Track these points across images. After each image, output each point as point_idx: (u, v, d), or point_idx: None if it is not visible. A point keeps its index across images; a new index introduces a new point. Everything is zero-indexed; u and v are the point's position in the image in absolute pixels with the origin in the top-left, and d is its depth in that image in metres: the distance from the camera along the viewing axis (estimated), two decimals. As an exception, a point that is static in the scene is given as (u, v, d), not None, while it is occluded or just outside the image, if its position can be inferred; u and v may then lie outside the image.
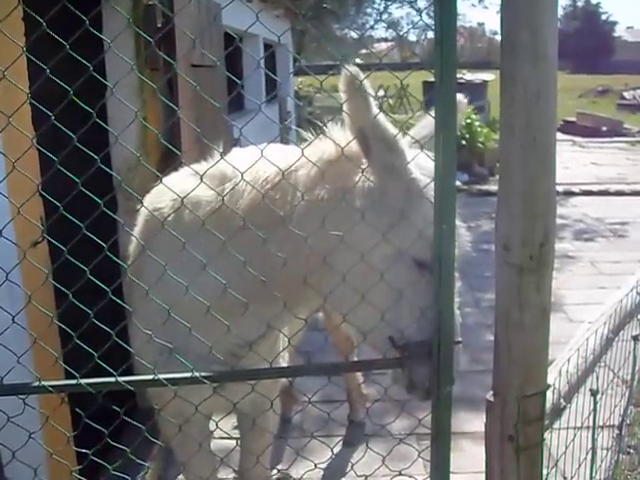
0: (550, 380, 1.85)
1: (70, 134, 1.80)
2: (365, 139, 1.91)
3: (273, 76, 11.03)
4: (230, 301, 2.01)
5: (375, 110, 1.85)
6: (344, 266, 1.94)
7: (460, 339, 1.87)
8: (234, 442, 2.58)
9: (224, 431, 2.34)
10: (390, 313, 1.89)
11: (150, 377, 1.88)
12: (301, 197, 1.98)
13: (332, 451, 4.12)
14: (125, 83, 3.45)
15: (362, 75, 1.82)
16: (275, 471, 3.36)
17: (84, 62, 1.78)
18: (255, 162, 1.98)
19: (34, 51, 1.96)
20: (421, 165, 1.93)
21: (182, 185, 2.09)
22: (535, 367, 1.69)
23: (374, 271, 1.89)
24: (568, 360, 2.06)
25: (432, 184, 1.72)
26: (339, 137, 1.98)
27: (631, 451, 3.86)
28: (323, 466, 3.98)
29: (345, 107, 1.86)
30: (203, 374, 1.85)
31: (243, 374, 1.88)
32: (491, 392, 1.74)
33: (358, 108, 1.86)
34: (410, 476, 2.00)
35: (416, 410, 2.10)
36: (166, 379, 1.87)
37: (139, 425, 2.08)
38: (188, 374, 1.85)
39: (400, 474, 2.02)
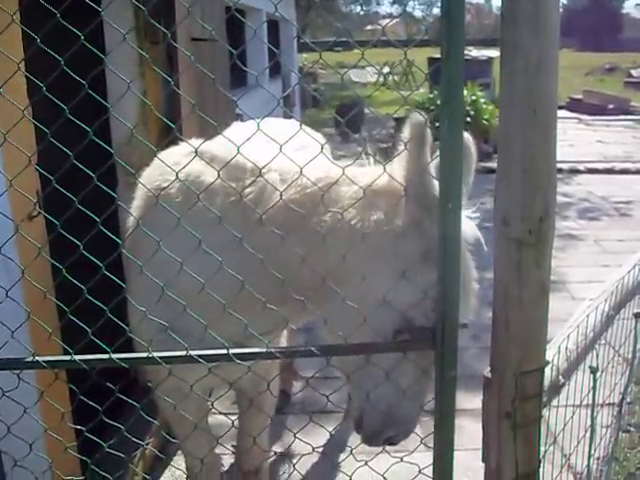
0: (549, 357, 1.83)
1: (63, 106, 1.77)
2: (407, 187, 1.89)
3: (273, 49, 10.93)
4: (244, 297, 1.96)
5: (424, 165, 1.83)
6: (349, 293, 1.92)
7: (466, 321, 1.85)
8: (232, 418, 2.57)
9: (219, 411, 2.33)
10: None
11: (145, 355, 1.87)
12: (338, 215, 1.96)
13: (331, 429, 4.13)
14: (124, 57, 3.41)
15: (427, 126, 1.80)
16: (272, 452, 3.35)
17: (75, 31, 1.75)
18: (283, 157, 1.88)
19: (30, 22, 1.93)
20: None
21: (188, 166, 2.00)
22: (534, 343, 1.66)
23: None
24: (568, 337, 2.04)
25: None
26: (394, 171, 1.92)
27: (631, 429, 3.85)
28: (322, 443, 3.99)
29: (406, 152, 1.85)
30: (198, 353, 1.83)
31: (239, 356, 1.85)
32: (489, 368, 1.72)
33: (412, 159, 1.84)
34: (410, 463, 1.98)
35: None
36: (161, 357, 1.85)
37: (135, 403, 2.07)
38: (183, 352, 1.83)
39: (401, 460, 2.00)
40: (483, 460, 1.79)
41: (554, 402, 2.02)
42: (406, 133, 1.82)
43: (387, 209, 1.96)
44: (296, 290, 1.96)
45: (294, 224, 1.98)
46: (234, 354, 1.84)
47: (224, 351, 1.84)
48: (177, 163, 2.09)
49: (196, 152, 1.86)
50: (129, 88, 1.86)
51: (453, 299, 1.70)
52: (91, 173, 1.82)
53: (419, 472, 1.95)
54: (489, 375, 1.71)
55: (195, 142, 2.13)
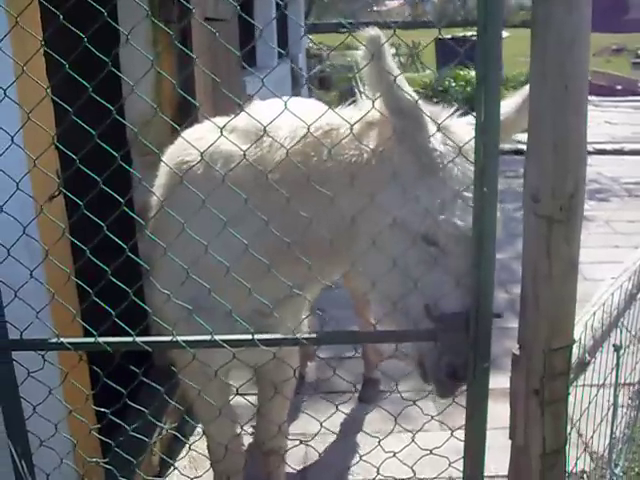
0: (575, 335, 1.82)
1: (85, 84, 1.76)
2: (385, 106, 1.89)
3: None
4: (257, 260, 1.97)
5: (391, 77, 1.80)
6: (371, 230, 1.92)
7: (500, 313, 1.80)
8: (252, 399, 2.57)
9: (238, 392, 2.33)
10: (422, 282, 1.86)
11: (169, 338, 1.87)
12: (338, 156, 1.97)
13: (346, 410, 4.14)
14: (138, 36, 3.39)
15: (383, 38, 1.77)
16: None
17: (97, 7, 1.74)
18: (292, 116, 1.93)
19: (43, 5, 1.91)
20: (455, 136, 1.88)
21: (210, 139, 2.04)
22: (563, 320, 1.66)
23: (400, 239, 1.89)
24: (594, 314, 2.04)
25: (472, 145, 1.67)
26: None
27: (646, 409, 3.85)
28: (338, 423, 4.00)
29: (365, 72, 1.83)
30: (222, 337, 1.83)
31: (264, 341, 1.85)
32: (517, 345, 1.71)
33: (373, 74, 1.82)
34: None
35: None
36: (185, 341, 1.85)
37: (156, 386, 2.07)
38: (207, 337, 1.83)
39: (413, 440, 2.00)
40: (510, 437, 1.79)
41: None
42: (364, 52, 1.79)
43: (377, 135, 1.99)
44: (317, 244, 1.98)
45: (303, 177, 1.97)
46: (259, 340, 1.84)
47: (249, 336, 1.84)
48: (200, 138, 2.10)
49: (221, 131, 1.86)
50: (152, 66, 1.85)
51: (487, 289, 1.69)
52: (113, 152, 1.82)
53: (430, 452, 1.96)
54: (517, 352, 1.71)
55: (218, 120, 2.13)
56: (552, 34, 1.47)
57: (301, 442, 3.07)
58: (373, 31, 1.77)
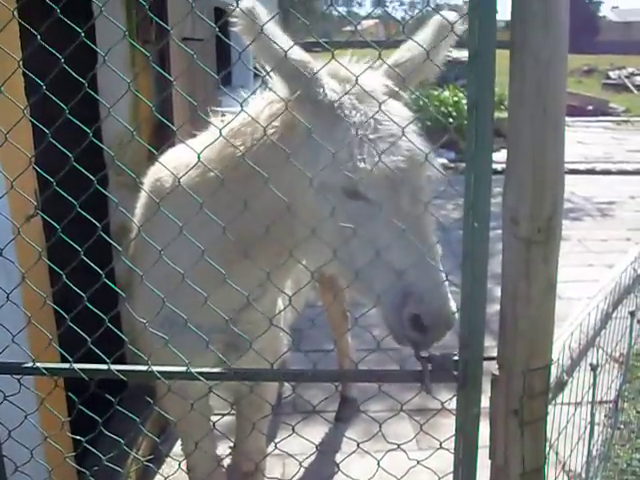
0: (554, 355, 1.84)
1: (62, 106, 1.76)
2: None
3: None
4: (223, 260, 1.95)
5: (275, 49, 1.76)
6: (303, 202, 1.89)
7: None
8: (232, 418, 2.56)
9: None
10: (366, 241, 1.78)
11: (144, 368, 1.84)
12: (254, 142, 1.96)
13: (323, 428, 4.13)
14: (116, 56, 3.40)
15: (258, 10, 1.74)
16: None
17: (75, 27, 1.74)
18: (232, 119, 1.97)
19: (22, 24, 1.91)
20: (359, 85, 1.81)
21: (182, 156, 2.09)
22: (541, 340, 1.67)
23: (326, 202, 1.83)
24: (571, 334, 2.06)
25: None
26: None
27: (621, 426, 3.89)
28: (316, 442, 3.99)
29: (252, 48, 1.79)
30: (199, 370, 1.80)
31: (241, 375, 1.84)
32: (496, 366, 1.72)
33: (258, 47, 1.78)
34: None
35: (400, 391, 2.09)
36: (160, 372, 1.82)
37: (131, 415, 2.05)
38: (183, 369, 1.80)
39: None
40: (490, 457, 1.80)
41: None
42: (239, 27, 1.76)
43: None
44: (263, 236, 1.90)
45: (240, 171, 1.97)
46: (238, 373, 1.83)
47: (226, 369, 1.83)
48: (177, 157, 2.13)
49: (198, 156, 1.86)
50: (129, 88, 1.85)
51: (478, 332, 1.67)
52: (91, 176, 1.81)
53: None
54: (497, 372, 1.71)
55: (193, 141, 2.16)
56: (529, 55, 1.49)
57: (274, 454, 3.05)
58: (248, 2, 1.73)
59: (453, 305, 1.75)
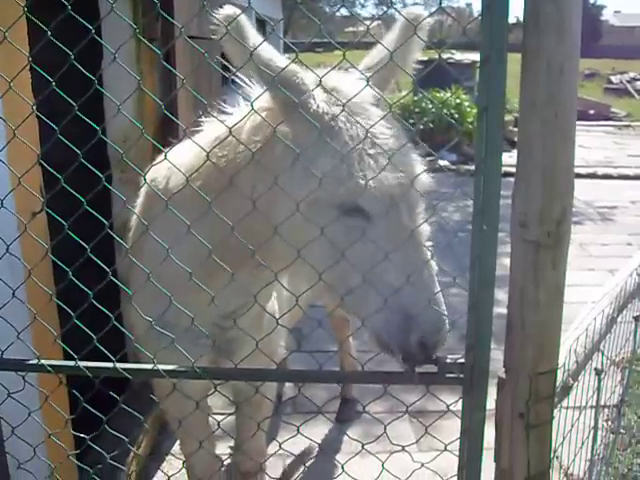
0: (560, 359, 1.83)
1: (71, 102, 1.75)
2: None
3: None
4: (205, 269, 1.89)
5: (249, 50, 1.68)
6: (291, 221, 1.74)
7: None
8: (232, 417, 2.56)
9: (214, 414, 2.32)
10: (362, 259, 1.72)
11: (149, 367, 1.84)
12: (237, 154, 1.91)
13: (324, 429, 4.13)
14: (122, 54, 3.38)
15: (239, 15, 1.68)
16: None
17: (85, 23, 1.74)
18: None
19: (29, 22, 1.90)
20: (343, 94, 1.77)
21: (178, 157, 2.05)
22: (549, 344, 1.67)
23: (319, 219, 1.72)
24: (577, 339, 2.06)
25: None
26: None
27: (622, 431, 3.89)
28: (317, 441, 3.99)
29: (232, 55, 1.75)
30: (204, 367, 1.81)
31: (247, 375, 1.84)
32: (503, 369, 1.72)
33: (235, 54, 1.74)
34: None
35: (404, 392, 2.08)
36: (165, 371, 1.82)
37: (136, 413, 2.05)
38: (187, 367, 1.80)
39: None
40: (495, 460, 1.80)
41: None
42: (222, 29, 1.69)
43: (270, 117, 1.84)
44: (240, 247, 1.83)
45: (221, 181, 1.91)
46: (243, 372, 1.83)
47: (232, 369, 1.83)
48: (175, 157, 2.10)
49: (207, 155, 1.86)
50: (139, 85, 1.85)
51: (485, 337, 1.66)
52: (98, 173, 1.81)
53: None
54: (504, 376, 1.71)
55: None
56: (543, 63, 1.49)
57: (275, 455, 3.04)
58: (229, 10, 1.68)
59: (447, 323, 1.75)
